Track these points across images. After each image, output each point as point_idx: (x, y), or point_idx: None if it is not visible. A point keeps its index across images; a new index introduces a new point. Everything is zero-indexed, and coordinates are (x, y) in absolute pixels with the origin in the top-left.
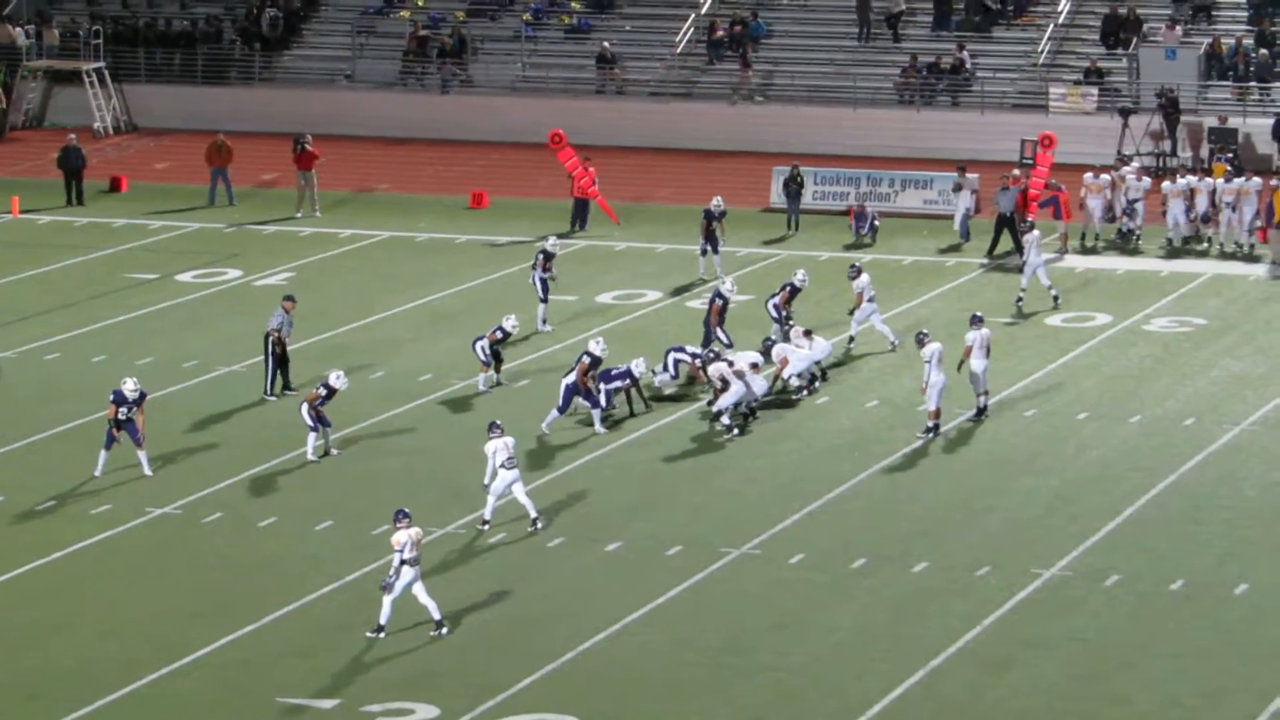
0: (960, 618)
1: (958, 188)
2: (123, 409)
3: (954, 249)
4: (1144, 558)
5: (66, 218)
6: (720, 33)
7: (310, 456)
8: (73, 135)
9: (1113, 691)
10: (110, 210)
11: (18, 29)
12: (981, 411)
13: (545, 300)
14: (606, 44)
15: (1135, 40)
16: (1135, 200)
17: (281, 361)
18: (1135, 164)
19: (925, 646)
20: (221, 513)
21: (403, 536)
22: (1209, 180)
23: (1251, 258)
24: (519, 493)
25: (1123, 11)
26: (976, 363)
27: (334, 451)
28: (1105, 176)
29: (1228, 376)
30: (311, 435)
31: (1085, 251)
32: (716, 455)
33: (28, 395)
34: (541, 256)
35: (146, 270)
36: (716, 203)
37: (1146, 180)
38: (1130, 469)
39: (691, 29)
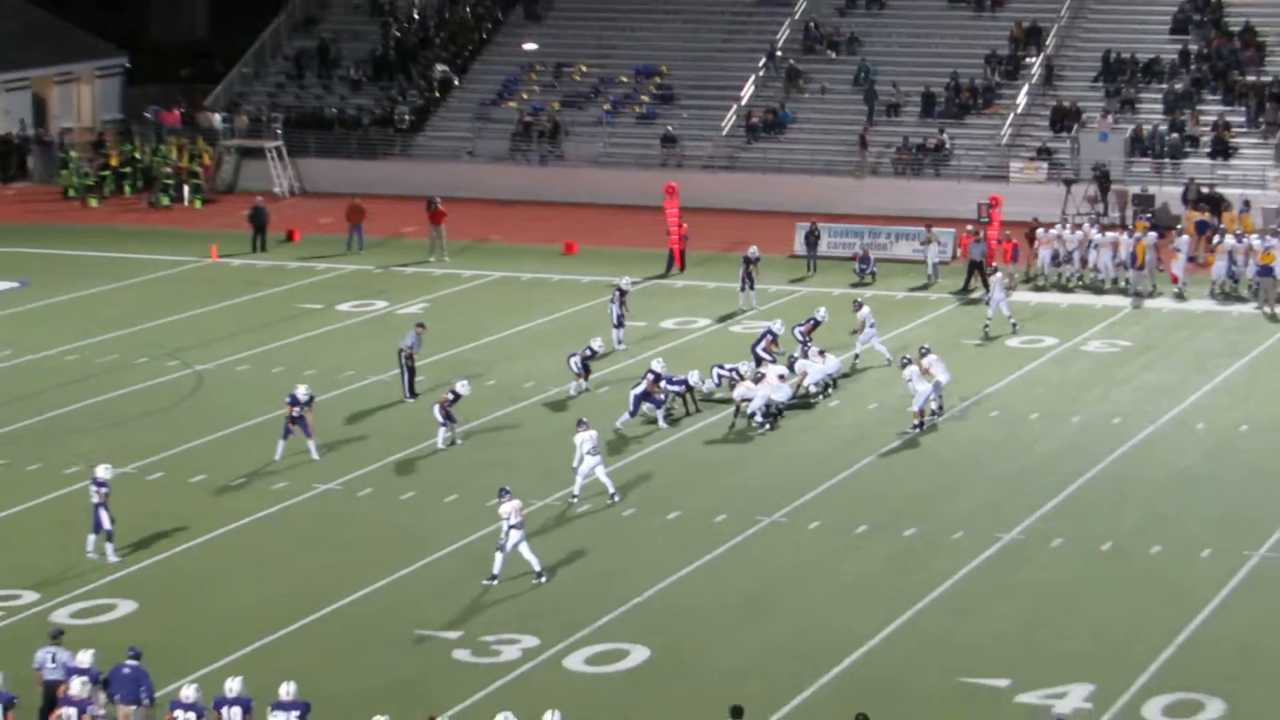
0: (939, 572)
1: (926, 241)
2: (296, 408)
3: (924, 287)
4: (1081, 525)
5: (252, 261)
6: (755, 119)
7: (440, 446)
8: (260, 198)
9: (1056, 629)
10: (286, 255)
11: (215, 115)
12: (937, 412)
13: (620, 326)
14: (669, 127)
15: (1076, 126)
16: (1072, 250)
17: (411, 372)
18: (1086, 224)
19: (912, 594)
20: (372, 488)
21: (507, 507)
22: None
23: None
24: (601, 474)
25: (1067, 104)
26: (943, 377)
27: (458, 442)
28: (1053, 231)
29: (1146, 386)
30: (441, 429)
31: (1036, 289)
32: (751, 445)
33: (224, 398)
34: (618, 292)
35: (314, 301)
36: (753, 251)
37: (1079, 234)
38: (1071, 457)
39: (734, 116)
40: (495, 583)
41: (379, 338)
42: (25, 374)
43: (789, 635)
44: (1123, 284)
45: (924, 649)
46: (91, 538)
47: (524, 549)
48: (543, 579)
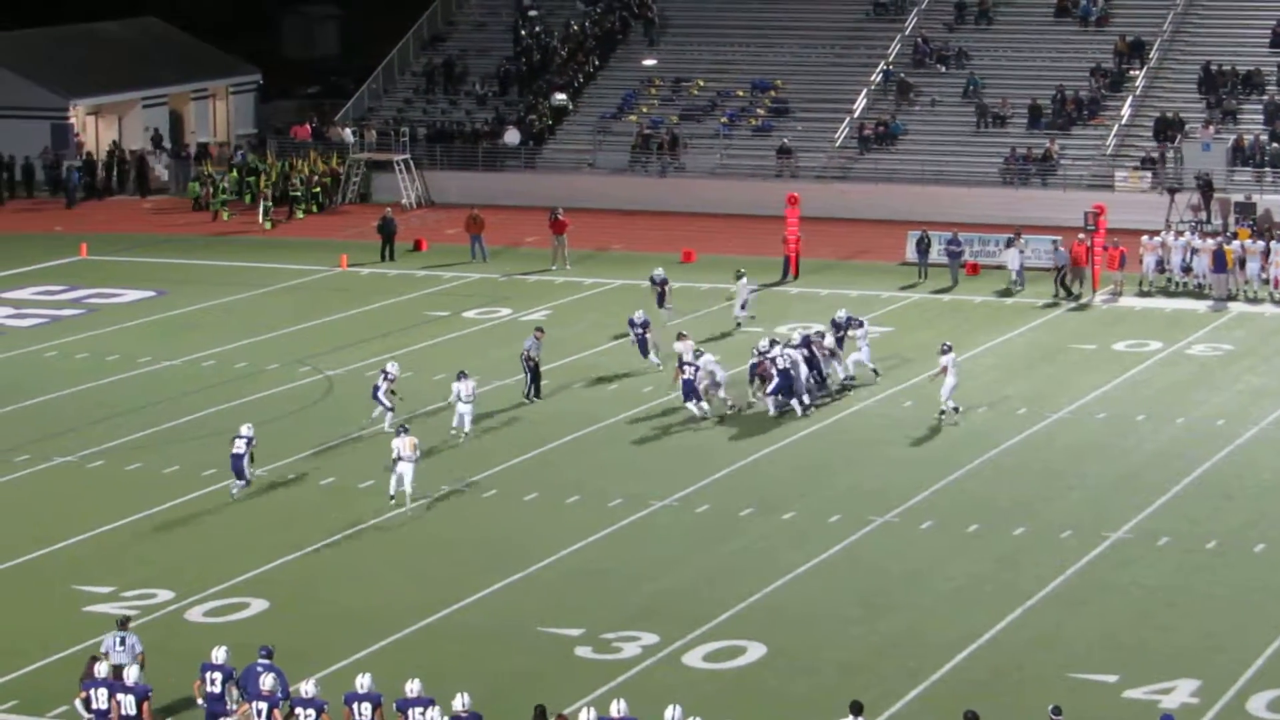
0: (1049, 569)
1: (1009, 244)
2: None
3: (1005, 293)
4: (1186, 524)
5: (381, 270)
6: (868, 131)
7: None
8: (389, 209)
9: (1161, 624)
10: (414, 264)
11: (346, 130)
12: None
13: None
14: (784, 139)
15: (1179, 136)
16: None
17: (535, 375)
18: (1188, 232)
19: (1022, 591)
20: (497, 490)
21: (398, 442)
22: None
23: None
24: (466, 417)
25: (1170, 115)
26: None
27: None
28: (1157, 238)
29: (1249, 389)
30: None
31: (1141, 295)
32: (864, 448)
33: (353, 403)
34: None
35: (440, 309)
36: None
37: (1184, 240)
38: (1176, 457)
39: (847, 128)
40: (392, 503)
41: (504, 343)
42: (163, 379)
43: (902, 633)
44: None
45: (1033, 645)
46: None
47: (407, 481)
48: (405, 505)
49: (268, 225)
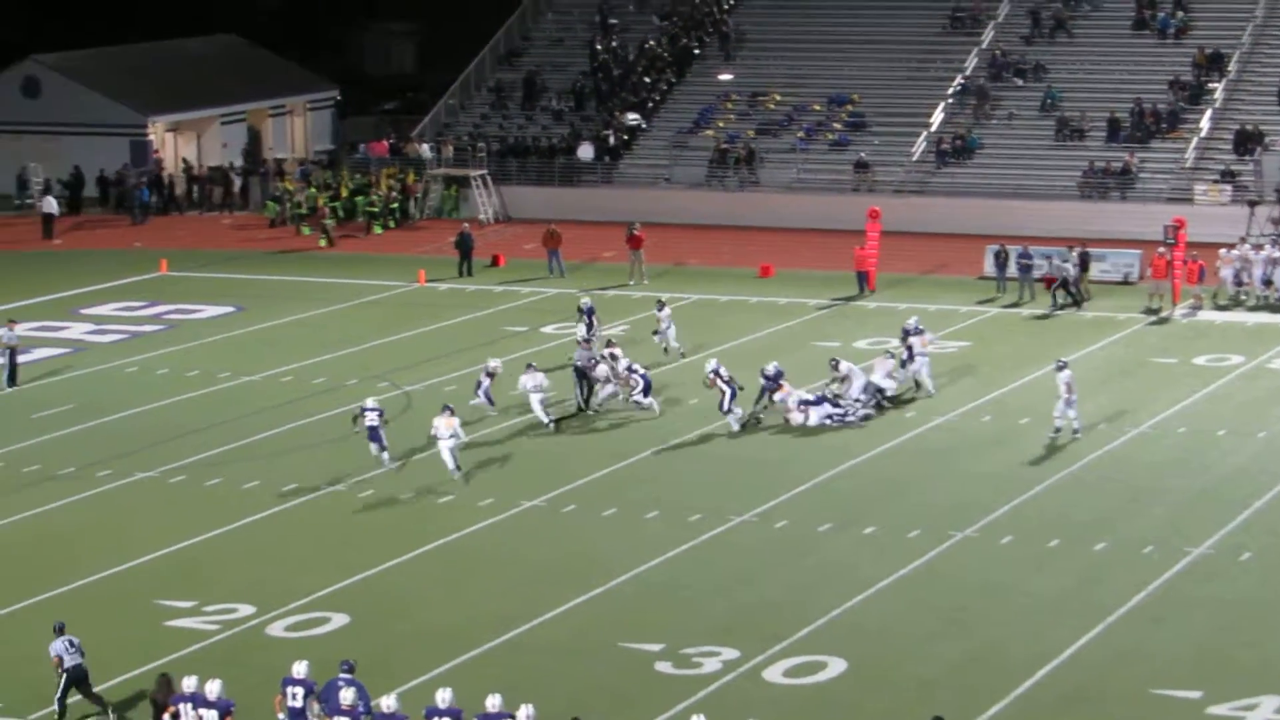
0: (1130, 584)
1: (1065, 260)
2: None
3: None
4: (1270, 538)
5: (459, 285)
6: (945, 145)
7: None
8: (466, 224)
9: (1245, 639)
10: (491, 279)
11: (424, 146)
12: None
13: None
14: (861, 154)
15: (1259, 149)
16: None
17: (589, 386)
18: (1268, 245)
19: (1103, 606)
20: (575, 505)
21: (439, 421)
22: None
23: None
24: (536, 407)
25: (1249, 127)
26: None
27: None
28: (1236, 251)
29: None
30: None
31: (1220, 308)
32: (941, 462)
33: (432, 418)
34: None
35: (518, 324)
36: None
37: (1264, 253)
38: (1258, 472)
39: (924, 142)
40: (457, 476)
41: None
42: (242, 395)
43: (983, 648)
44: None
45: (1116, 661)
46: (385, 455)
47: (446, 454)
48: (458, 475)
49: (322, 242)
